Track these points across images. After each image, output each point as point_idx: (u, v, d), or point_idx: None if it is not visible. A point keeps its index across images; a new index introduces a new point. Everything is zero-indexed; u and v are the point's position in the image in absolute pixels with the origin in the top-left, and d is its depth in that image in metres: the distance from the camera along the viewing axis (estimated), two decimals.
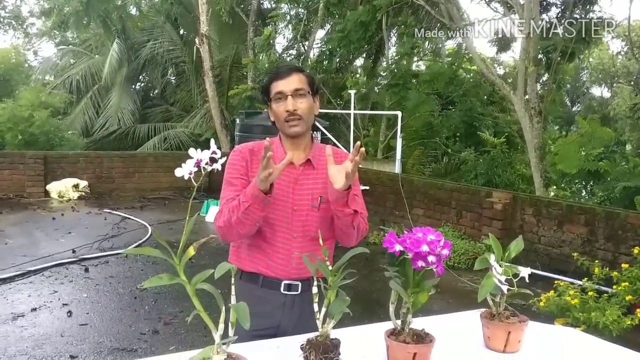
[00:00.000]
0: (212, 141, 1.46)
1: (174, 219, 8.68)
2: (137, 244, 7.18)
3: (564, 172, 11.40)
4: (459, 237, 7.42)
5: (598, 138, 11.51)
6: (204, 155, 1.39)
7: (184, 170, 1.38)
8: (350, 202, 1.93)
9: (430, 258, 1.40)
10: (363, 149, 1.82)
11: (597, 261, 5.17)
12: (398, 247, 1.43)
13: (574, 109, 20.55)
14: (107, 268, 6.18)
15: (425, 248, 1.40)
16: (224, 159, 1.44)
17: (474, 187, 8.89)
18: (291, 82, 2.03)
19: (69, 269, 6.05)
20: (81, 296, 5.26)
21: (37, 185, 10.19)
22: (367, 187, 8.64)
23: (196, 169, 1.38)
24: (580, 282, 4.96)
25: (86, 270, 6.02)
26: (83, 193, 10.31)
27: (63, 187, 10.19)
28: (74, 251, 6.67)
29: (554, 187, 11.89)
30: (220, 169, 1.43)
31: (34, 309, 4.83)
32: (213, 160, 1.39)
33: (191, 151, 1.41)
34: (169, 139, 14.81)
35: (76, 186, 10.29)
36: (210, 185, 10.65)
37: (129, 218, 8.78)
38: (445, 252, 1.42)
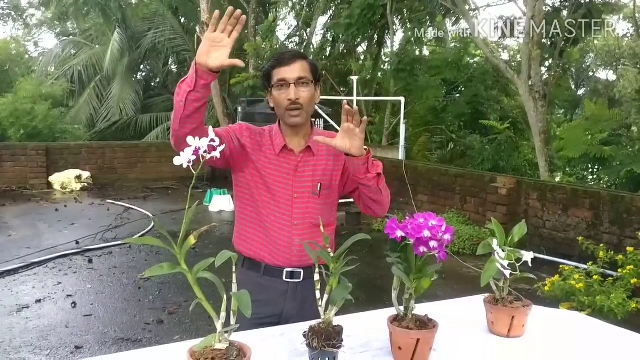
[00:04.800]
0: (211, 128, 1.44)
1: (177, 209, 8.68)
2: (140, 234, 7.19)
3: (569, 158, 11.30)
4: (464, 222, 7.40)
5: (605, 121, 11.40)
6: (202, 143, 1.37)
7: (183, 159, 1.36)
8: (370, 168, 1.90)
9: (432, 243, 1.39)
10: (356, 107, 1.82)
11: (602, 245, 5.14)
12: (400, 233, 1.42)
13: (579, 92, 20.38)
14: (111, 259, 6.19)
15: (426, 233, 1.39)
16: (222, 147, 1.42)
17: (478, 172, 8.86)
18: (294, 70, 1.98)
19: (72, 260, 6.07)
20: (85, 287, 5.28)
21: (39, 176, 10.21)
22: None
23: (194, 157, 1.36)
24: (585, 266, 4.94)
25: (90, 261, 6.04)
26: (86, 184, 10.33)
27: (66, 179, 10.21)
28: (77, 242, 6.68)
29: (559, 173, 11.77)
30: (219, 156, 1.41)
31: (39, 301, 4.84)
32: (212, 148, 1.37)
33: (189, 139, 1.39)
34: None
35: (79, 177, 10.30)
36: (214, 174, 10.63)
37: (132, 208, 8.78)
38: (447, 237, 1.41)
